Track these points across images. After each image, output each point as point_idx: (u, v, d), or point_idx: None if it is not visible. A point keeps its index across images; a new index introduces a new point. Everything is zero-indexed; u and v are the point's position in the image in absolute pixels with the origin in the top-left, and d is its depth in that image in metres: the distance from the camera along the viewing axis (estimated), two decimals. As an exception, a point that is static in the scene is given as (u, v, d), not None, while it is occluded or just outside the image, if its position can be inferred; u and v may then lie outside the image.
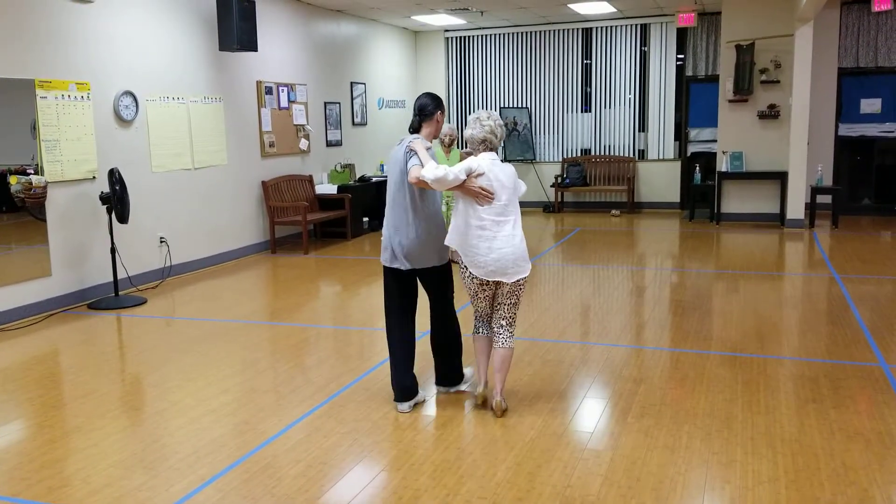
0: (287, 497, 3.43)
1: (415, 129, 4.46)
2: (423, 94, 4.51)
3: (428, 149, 4.29)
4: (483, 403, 4.43)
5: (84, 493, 3.51)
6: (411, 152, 4.27)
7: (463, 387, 4.74)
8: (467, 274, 4.26)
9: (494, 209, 4.17)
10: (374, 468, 3.71)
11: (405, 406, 4.43)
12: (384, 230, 4.47)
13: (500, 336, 4.34)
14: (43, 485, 3.62)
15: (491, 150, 4.30)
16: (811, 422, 4.14)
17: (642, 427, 4.12)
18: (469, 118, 4.35)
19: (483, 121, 4.28)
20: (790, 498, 3.31)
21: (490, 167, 4.20)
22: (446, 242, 4.34)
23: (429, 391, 4.73)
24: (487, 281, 4.23)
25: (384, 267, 4.48)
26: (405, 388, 4.45)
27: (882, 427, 4.05)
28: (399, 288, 4.48)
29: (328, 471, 3.69)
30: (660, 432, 4.04)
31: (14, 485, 3.63)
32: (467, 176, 4.15)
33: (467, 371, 4.85)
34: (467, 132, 4.32)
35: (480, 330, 4.44)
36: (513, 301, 4.31)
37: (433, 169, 4.08)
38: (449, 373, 4.69)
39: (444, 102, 12.86)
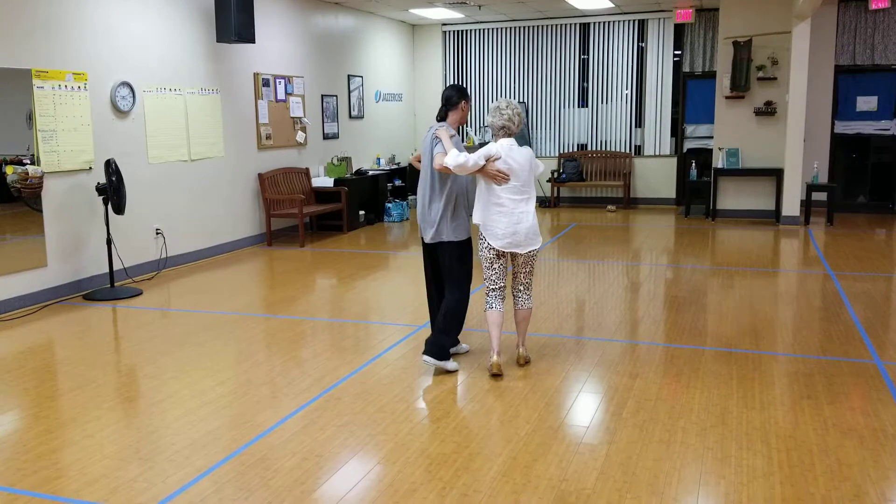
0: (283, 489, 3.44)
1: (442, 117, 5.01)
2: (449, 86, 5.07)
3: (452, 136, 4.79)
4: (496, 373, 4.80)
5: (80, 485, 3.51)
6: (437, 139, 4.85)
7: (448, 366, 4.97)
8: (486, 245, 4.81)
9: (512, 189, 4.74)
10: (369, 461, 3.71)
11: (426, 359, 4.91)
12: (417, 207, 5.10)
13: (520, 298, 4.98)
14: (38, 476, 3.62)
15: (509, 135, 4.81)
16: (806, 418, 4.16)
17: (637, 422, 4.13)
18: (490, 107, 4.83)
19: (503, 110, 4.77)
20: (784, 493, 3.32)
21: (508, 152, 4.73)
22: (473, 219, 4.89)
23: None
24: (503, 252, 4.81)
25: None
26: (427, 342, 4.97)
27: (876, 423, 4.07)
28: (427, 259, 5.17)
29: (324, 463, 3.69)
30: (655, 427, 4.06)
31: (9, 476, 3.63)
32: (486, 160, 4.67)
33: (451, 363, 5.01)
34: (488, 120, 4.82)
35: (494, 305, 4.87)
36: (528, 269, 4.95)
37: (455, 156, 4.63)
38: (432, 345, 4.95)
39: (437, 94, 12.87)
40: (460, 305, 5.00)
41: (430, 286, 5.25)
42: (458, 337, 5.24)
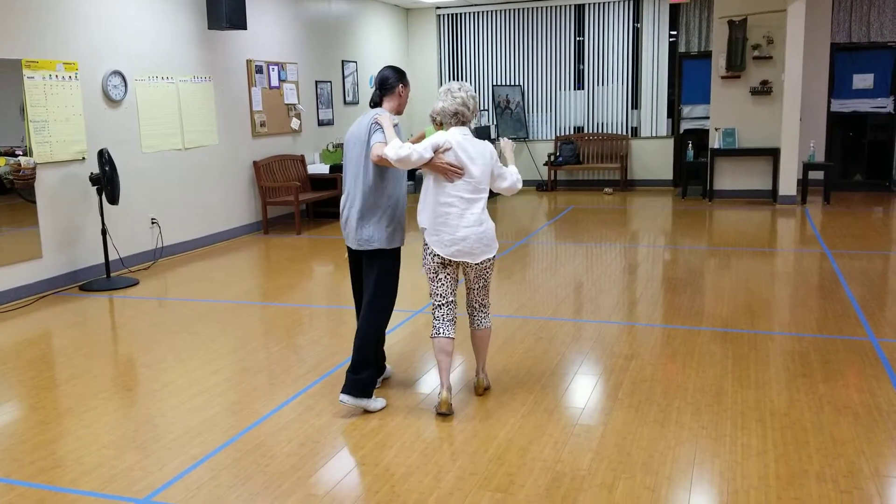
0: (279, 475, 3.45)
1: (376, 103, 4.23)
2: (385, 67, 4.26)
3: (395, 125, 4.07)
4: (444, 412, 4.01)
5: (77, 474, 3.52)
6: (376, 125, 4.04)
7: (371, 405, 4.13)
8: (429, 252, 4.06)
9: (463, 186, 3.99)
10: (365, 446, 3.72)
11: (343, 398, 4.05)
12: (342, 207, 4.26)
13: (476, 318, 4.24)
14: (35, 466, 3.63)
15: (462, 123, 4.06)
16: (800, 396, 4.17)
17: (633, 402, 4.14)
18: (440, 90, 4.10)
19: (454, 92, 4.04)
20: (779, 471, 3.34)
21: (460, 142, 3.99)
22: (418, 222, 4.09)
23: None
24: (450, 261, 4.06)
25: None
26: (359, 382, 4.07)
27: (871, 400, 4.08)
28: (352, 266, 4.41)
29: (320, 449, 3.70)
30: (650, 407, 4.07)
31: (6, 466, 3.63)
32: (434, 152, 3.96)
33: (377, 401, 4.21)
34: (438, 105, 4.07)
35: (442, 331, 4.05)
36: (482, 284, 4.17)
37: (396, 148, 3.89)
38: (355, 383, 4.06)
39: (435, 80, 12.75)
40: (380, 332, 4.20)
41: (356, 297, 4.45)
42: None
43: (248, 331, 5.73)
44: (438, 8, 14.42)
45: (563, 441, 3.70)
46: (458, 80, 14.43)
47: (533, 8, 13.98)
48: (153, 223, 8.40)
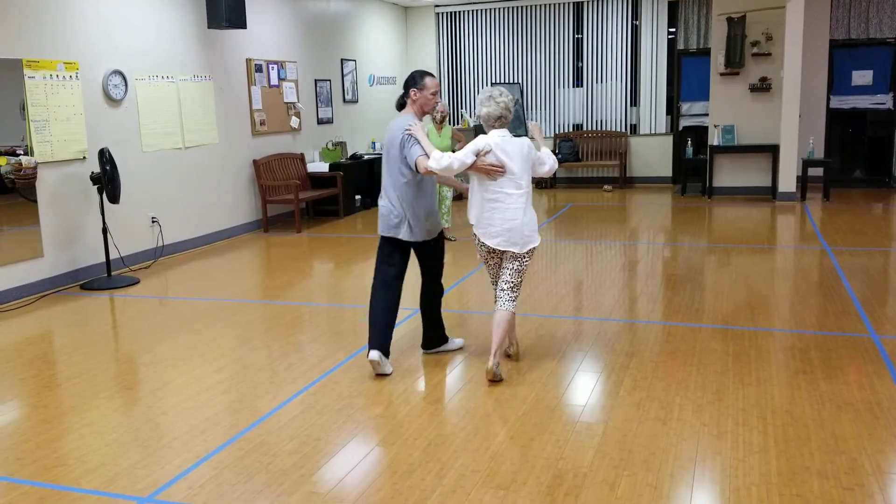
0: (282, 473, 3.46)
1: (400, 105, 4.62)
2: (414, 71, 4.66)
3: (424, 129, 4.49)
4: (491, 378, 4.44)
5: (79, 473, 3.53)
6: (410, 139, 4.40)
7: (450, 347, 5.02)
8: (478, 243, 4.53)
9: (506, 182, 4.39)
10: (368, 444, 3.73)
11: (374, 354, 4.54)
12: (381, 201, 4.64)
13: (501, 299, 4.50)
14: (38, 464, 3.63)
15: (503, 126, 4.44)
16: (802, 393, 4.18)
17: (634, 400, 4.15)
18: (480, 97, 4.45)
19: (496, 98, 4.41)
20: (780, 468, 3.35)
21: (499, 143, 4.37)
22: (468, 217, 4.52)
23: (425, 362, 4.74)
24: (495, 250, 4.49)
25: (381, 235, 4.68)
26: (378, 342, 4.60)
27: (872, 397, 4.09)
28: (390, 255, 4.68)
29: (322, 447, 3.71)
30: (651, 405, 4.08)
31: (9, 465, 3.64)
32: (476, 156, 4.34)
33: (457, 340, 5.10)
34: (483, 111, 4.41)
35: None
36: (515, 267, 4.49)
37: (438, 159, 4.28)
38: (432, 337, 4.97)
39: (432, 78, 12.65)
40: (439, 295, 4.92)
41: (390, 284, 4.70)
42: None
43: (248, 329, 5.73)
44: (437, 6, 14.41)
45: (564, 438, 3.70)
46: (469, 79, 14.52)
47: (531, 6, 13.97)
48: (154, 222, 8.40)
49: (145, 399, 4.42)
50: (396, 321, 4.77)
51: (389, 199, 4.58)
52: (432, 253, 4.74)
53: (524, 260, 4.49)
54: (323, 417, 4.06)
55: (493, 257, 4.57)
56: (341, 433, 3.86)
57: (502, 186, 4.39)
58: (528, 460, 3.49)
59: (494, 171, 4.35)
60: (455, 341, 5.08)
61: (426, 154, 4.36)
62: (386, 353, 4.61)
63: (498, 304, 4.50)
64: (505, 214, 4.40)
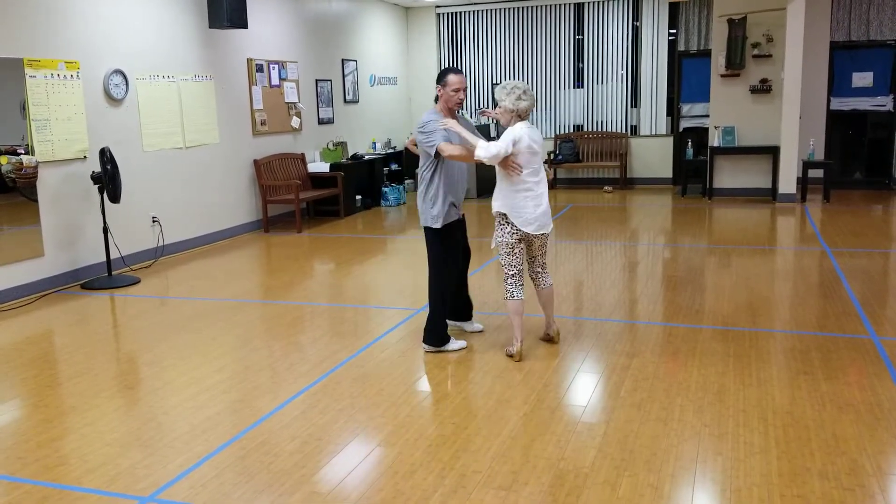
0: (283, 473, 3.46)
1: (436, 98, 4.95)
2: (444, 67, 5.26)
3: (445, 128, 4.75)
4: (519, 360, 4.81)
5: (81, 472, 3.53)
6: (449, 132, 4.76)
7: (475, 327, 5.43)
8: (509, 230, 4.75)
9: (533, 170, 4.72)
10: (369, 444, 3.73)
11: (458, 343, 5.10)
12: (452, 190, 4.97)
13: (542, 278, 4.99)
14: (39, 464, 3.64)
15: (527, 117, 4.78)
16: (802, 394, 4.18)
17: (635, 400, 4.15)
18: (509, 89, 4.69)
19: (529, 91, 4.72)
20: (781, 468, 3.35)
21: (528, 133, 4.70)
22: (495, 208, 4.80)
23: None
24: (527, 235, 4.77)
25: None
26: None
27: (872, 398, 4.10)
28: (455, 240, 5.14)
29: (324, 447, 3.71)
30: (652, 405, 4.08)
31: (10, 464, 3.64)
32: (515, 147, 4.64)
33: (478, 324, 5.46)
34: (524, 104, 4.68)
35: (515, 294, 4.80)
36: (545, 249, 4.98)
37: (487, 147, 4.59)
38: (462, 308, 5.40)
39: (431, 76, 12.75)
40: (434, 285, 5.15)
41: (454, 271, 5.15)
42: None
43: (249, 329, 5.73)
44: (438, 6, 14.42)
45: (566, 439, 3.71)
46: (470, 79, 14.44)
47: (532, 6, 13.98)
48: (154, 221, 8.40)
49: (146, 399, 4.42)
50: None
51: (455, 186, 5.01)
52: (462, 232, 5.14)
53: (547, 240, 4.96)
54: (324, 417, 4.06)
55: (520, 243, 4.82)
56: (343, 433, 3.86)
57: (532, 175, 4.70)
58: (530, 461, 3.50)
59: (514, 170, 4.66)
60: (457, 342, 5.17)
61: (470, 144, 4.71)
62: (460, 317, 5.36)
63: (542, 283, 4.97)
64: (536, 201, 4.74)
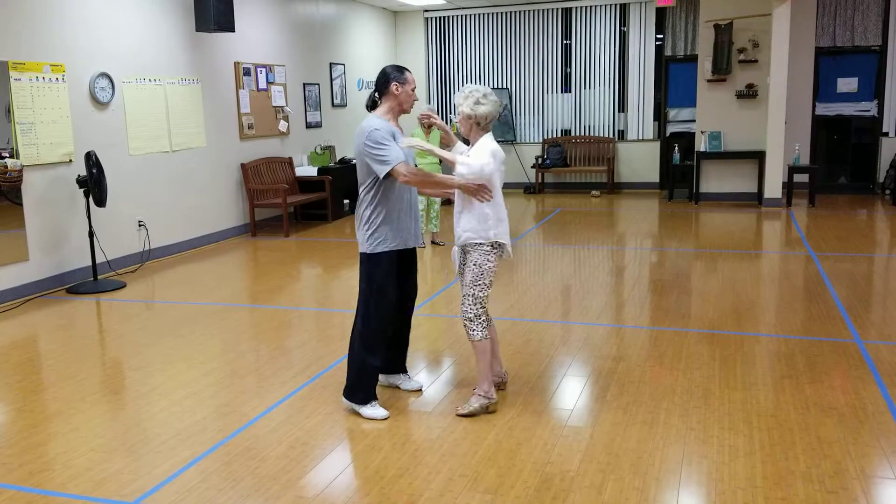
0: (269, 478, 3.45)
1: (370, 105, 4.13)
2: (385, 66, 4.11)
3: (393, 136, 3.95)
4: (495, 410, 4.14)
5: (65, 477, 3.51)
6: (377, 147, 3.89)
7: (412, 384, 4.47)
8: (495, 255, 4.07)
9: (499, 187, 4.03)
10: (356, 448, 3.73)
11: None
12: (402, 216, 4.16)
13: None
14: (24, 469, 3.61)
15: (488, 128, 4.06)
16: (787, 397, 4.21)
17: (621, 404, 4.17)
18: (469, 95, 3.97)
19: (490, 95, 3.98)
20: (766, 471, 3.37)
21: (496, 148, 4.02)
22: (490, 235, 4.00)
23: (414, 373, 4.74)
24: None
25: None
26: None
27: (856, 401, 4.13)
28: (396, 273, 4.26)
29: (310, 451, 3.71)
30: (638, 409, 4.09)
31: (-6, 469, 3.62)
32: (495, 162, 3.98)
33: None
34: (483, 109, 3.94)
35: (487, 333, 4.10)
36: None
37: (467, 163, 3.87)
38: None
39: (423, 83, 12.67)
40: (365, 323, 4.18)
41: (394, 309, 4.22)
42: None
43: (236, 333, 5.72)
44: (426, 11, 14.44)
45: (552, 443, 3.72)
46: (458, 84, 14.52)
47: (520, 11, 14.02)
48: (140, 225, 8.37)
49: (132, 403, 4.40)
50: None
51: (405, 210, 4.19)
52: (413, 266, 4.31)
53: None
54: (310, 422, 4.05)
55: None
56: (329, 437, 3.86)
57: (499, 190, 4.04)
58: (516, 464, 3.50)
59: (485, 196, 3.92)
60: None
61: (395, 163, 3.87)
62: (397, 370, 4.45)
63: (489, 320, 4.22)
64: (505, 215, 4.10)
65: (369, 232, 4.04)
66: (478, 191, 3.90)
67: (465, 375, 4.67)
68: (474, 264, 4.05)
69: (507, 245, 4.09)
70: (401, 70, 4.08)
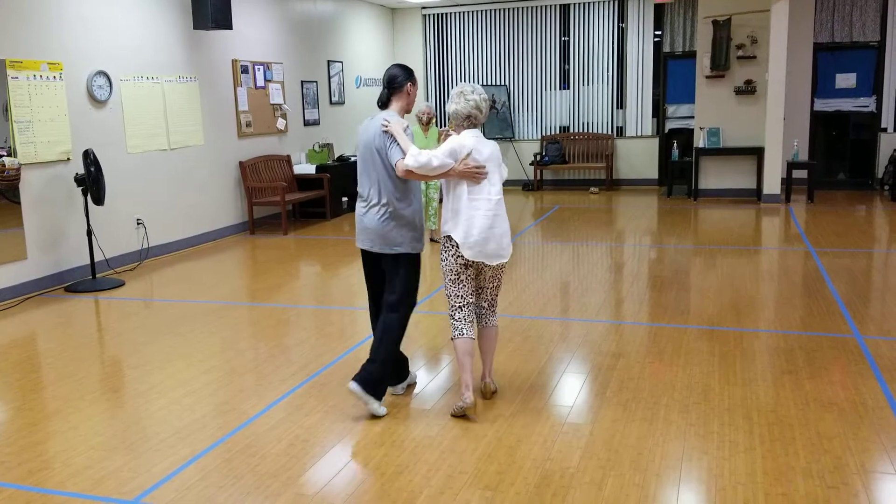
0: (269, 475, 3.45)
1: (383, 102, 4.17)
2: (393, 65, 4.22)
3: (405, 129, 4.03)
4: (469, 415, 4.02)
5: (65, 476, 3.51)
6: (390, 138, 3.99)
7: (379, 410, 4.08)
8: (453, 254, 4.00)
9: (485, 188, 3.98)
10: (356, 445, 3.72)
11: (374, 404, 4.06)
12: (359, 207, 4.19)
13: (485, 316, 4.22)
14: (23, 468, 3.61)
15: (474, 126, 4.04)
16: (787, 392, 4.21)
17: (621, 400, 4.17)
18: (452, 92, 4.05)
19: (467, 95, 3.98)
20: (766, 467, 3.37)
21: (475, 145, 3.97)
22: (443, 230, 4.04)
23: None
24: (472, 262, 4.02)
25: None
26: (372, 375, 4.05)
27: (856, 397, 4.13)
28: (367, 270, 4.30)
29: (310, 448, 3.70)
30: (638, 405, 4.09)
31: (-7, 468, 3.61)
32: (456, 160, 3.93)
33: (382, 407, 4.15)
34: (451, 107, 4.03)
35: (465, 332, 4.04)
36: (496, 283, 4.18)
37: (416, 155, 3.87)
38: (368, 375, 4.02)
39: (422, 80, 12.68)
40: (404, 330, 4.18)
41: (372, 300, 4.35)
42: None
43: (235, 331, 5.71)
44: (424, 8, 14.42)
45: (552, 439, 3.71)
46: (456, 81, 14.53)
47: (518, 8, 14.00)
48: (139, 224, 8.36)
49: (131, 402, 4.39)
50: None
51: (358, 206, 4.20)
52: (394, 270, 4.15)
53: (501, 273, 4.16)
54: (310, 419, 4.05)
55: (466, 271, 4.04)
56: (329, 435, 3.85)
57: (481, 193, 3.97)
58: (516, 461, 3.50)
59: (480, 174, 3.94)
60: (412, 375, 4.49)
61: (403, 156, 3.96)
62: (379, 391, 4.07)
63: (484, 321, 4.20)
64: (484, 223, 3.96)
65: (419, 231, 4.15)
66: (472, 174, 3.94)
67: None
68: (440, 261, 4.12)
69: (460, 242, 3.97)
70: (412, 72, 4.22)
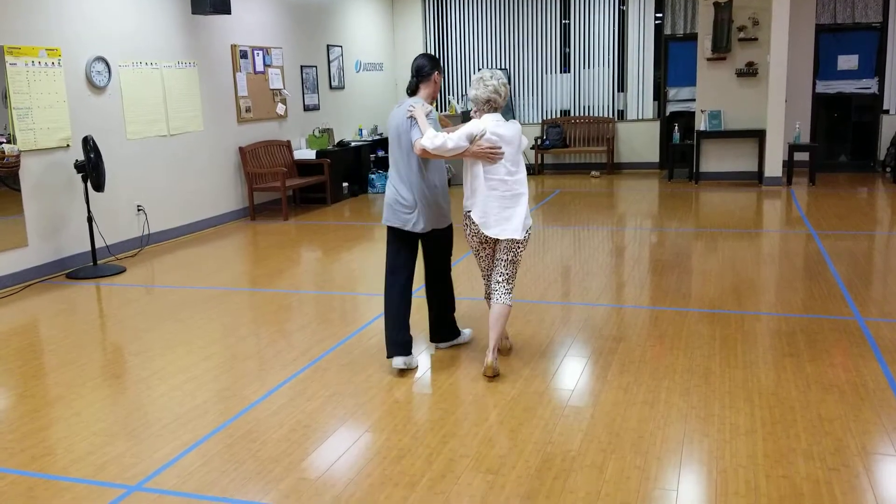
0: (271, 460, 3.46)
1: (412, 90, 4.50)
2: (420, 55, 4.52)
3: (428, 114, 4.31)
4: (491, 374, 4.28)
5: (67, 461, 3.52)
6: (412, 120, 4.31)
7: (460, 340, 4.87)
8: (470, 232, 4.36)
9: (501, 168, 4.23)
10: (357, 429, 3.73)
11: (399, 361, 4.44)
12: (387, 189, 4.56)
13: (497, 292, 4.34)
14: (26, 454, 3.62)
15: (494, 110, 4.28)
16: (788, 375, 4.21)
17: (622, 384, 4.17)
18: (473, 78, 4.29)
19: (486, 80, 4.22)
20: (767, 449, 3.37)
21: (494, 128, 4.21)
22: (465, 206, 4.36)
23: (419, 351, 4.74)
24: (487, 238, 4.36)
25: (387, 226, 4.55)
26: (398, 343, 4.46)
27: (857, 379, 4.13)
28: (399, 247, 4.53)
29: (312, 433, 3.71)
30: (639, 388, 4.10)
31: (-4, 454, 3.63)
32: (471, 141, 4.18)
33: (466, 331, 4.96)
34: (471, 92, 4.27)
35: (489, 296, 4.49)
36: (510, 258, 4.32)
37: (431, 137, 4.15)
38: (442, 329, 4.79)
39: (406, 63, 12.73)
40: (452, 284, 4.75)
41: (398, 276, 4.53)
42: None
43: (236, 317, 5.71)
44: (424, -9, 14.34)
45: (553, 422, 3.72)
46: (455, 64, 14.45)
47: (518, -9, 13.92)
48: (139, 210, 8.35)
49: (133, 388, 4.40)
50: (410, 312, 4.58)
51: (397, 188, 4.45)
52: (436, 241, 4.58)
53: (519, 250, 4.32)
54: (312, 404, 4.06)
55: (485, 248, 4.41)
56: (330, 420, 3.86)
57: (499, 173, 4.21)
58: (517, 444, 3.51)
59: (495, 154, 4.19)
60: (465, 333, 4.94)
61: (421, 133, 4.24)
62: (408, 350, 4.48)
63: (494, 298, 4.34)
64: (502, 202, 4.23)
65: (446, 208, 4.58)
66: (486, 154, 4.20)
67: (466, 355, 4.67)
68: None
69: (478, 220, 4.29)
70: (438, 61, 4.56)
